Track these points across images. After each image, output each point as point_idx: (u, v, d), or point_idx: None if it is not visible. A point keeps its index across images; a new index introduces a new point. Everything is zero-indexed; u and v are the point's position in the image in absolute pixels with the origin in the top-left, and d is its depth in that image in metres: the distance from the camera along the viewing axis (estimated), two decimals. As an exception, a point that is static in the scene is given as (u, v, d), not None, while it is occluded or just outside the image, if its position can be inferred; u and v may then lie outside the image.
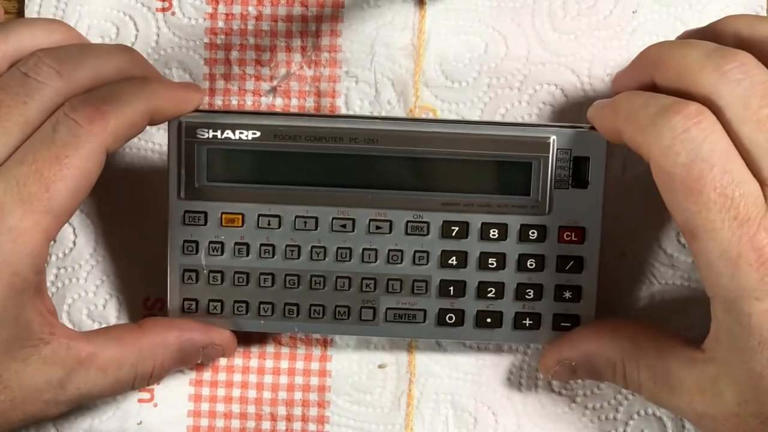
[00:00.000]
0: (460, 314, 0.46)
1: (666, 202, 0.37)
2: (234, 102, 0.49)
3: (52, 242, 0.47)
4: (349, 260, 0.46)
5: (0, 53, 0.42)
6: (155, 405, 0.49)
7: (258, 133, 0.45)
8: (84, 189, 0.41)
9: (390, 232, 0.46)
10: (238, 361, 0.49)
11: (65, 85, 0.41)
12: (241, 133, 0.45)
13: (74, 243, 0.50)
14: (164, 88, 0.44)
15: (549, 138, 0.45)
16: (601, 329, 0.44)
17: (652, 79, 0.41)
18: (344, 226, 0.46)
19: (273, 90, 0.49)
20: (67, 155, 0.40)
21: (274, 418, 0.49)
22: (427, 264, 0.46)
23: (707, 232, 0.35)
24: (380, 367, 0.49)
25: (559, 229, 0.45)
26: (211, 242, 0.46)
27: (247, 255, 0.46)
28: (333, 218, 0.46)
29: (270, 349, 0.49)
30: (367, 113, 0.49)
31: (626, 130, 0.39)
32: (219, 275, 0.46)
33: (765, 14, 0.48)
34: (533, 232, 0.45)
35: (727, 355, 0.37)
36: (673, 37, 0.48)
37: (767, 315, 0.34)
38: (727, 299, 0.35)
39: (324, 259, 0.46)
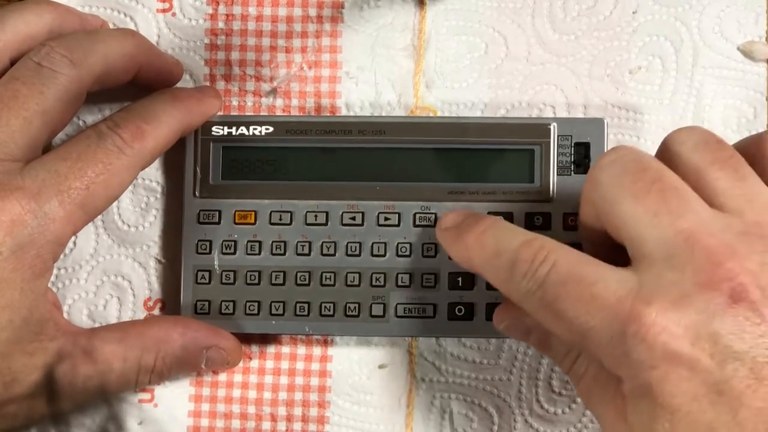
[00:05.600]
0: (470, 307, 0.46)
1: (554, 332, 0.38)
2: (234, 103, 0.49)
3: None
4: (359, 255, 0.47)
5: (0, 44, 0.43)
6: (155, 405, 0.49)
7: (271, 129, 0.47)
8: (114, 197, 0.43)
9: (398, 224, 0.46)
10: (239, 363, 0.49)
11: (78, 73, 0.43)
12: (255, 128, 0.47)
13: (74, 243, 0.49)
14: (193, 101, 0.46)
15: (549, 124, 0.46)
16: None
17: None
18: (354, 218, 0.46)
19: (273, 91, 0.50)
20: (111, 162, 0.42)
21: (274, 418, 0.49)
22: (435, 256, 0.46)
23: (589, 334, 0.35)
24: (380, 367, 0.49)
25: (563, 216, 0.46)
26: (224, 241, 0.47)
27: (260, 253, 0.47)
28: (343, 212, 0.47)
29: (270, 349, 0.49)
30: (367, 114, 0.49)
31: (487, 278, 0.40)
32: (232, 274, 0.47)
33: (765, 15, 0.48)
34: (539, 218, 0.46)
35: (635, 419, 0.36)
36: (671, 37, 0.48)
37: (665, 381, 0.34)
38: (629, 377, 0.35)
39: (335, 254, 0.47)
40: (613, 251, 0.37)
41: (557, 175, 0.46)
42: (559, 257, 0.37)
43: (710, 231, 0.35)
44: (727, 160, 0.37)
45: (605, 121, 0.46)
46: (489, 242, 0.40)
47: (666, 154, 0.38)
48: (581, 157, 0.46)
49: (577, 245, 0.46)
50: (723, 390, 0.33)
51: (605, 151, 0.46)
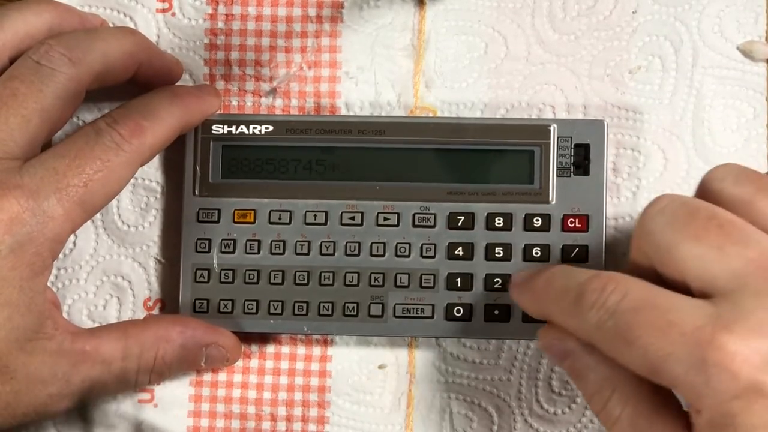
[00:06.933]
0: (468, 308, 0.46)
1: (624, 363, 0.37)
2: (234, 102, 0.50)
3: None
4: (358, 254, 0.47)
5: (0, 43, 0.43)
6: (155, 405, 0.49)
7: (271, 128, 0.47)
8: (113, 194, 0.43)
9: (398, 224, 0.47)
10: (238, 361, 0.49)
11: (77, 71, 0.43)
12: (255, 127, 0.47)
13: (74, 244, 0.50)
14: (192, 99, 0.46)
15: (549, 126, 0.46)
16: None
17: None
18: (353, 218, 0.46)
19: (273, 91, 0.50)
20: (110, 159, 0.42)
21: (274, 418, 0.49)
22: (434, 257, 0.46)
23: (665, 361, 0.34)
24: (380, 367, 0.49)
25: (563, 217, 0.46)
26: (223, 240, 0.47)
27: (259, 252, 0.47)
28: (342, 212, 0.47)
29: (270, 349, 0.49)
30: (367, 114, 0.49)
31: (554, 318, 0.40)
32: (230, 273, 0.47)
33: (765, 15, 0.48)
34: (538, 220, 0.46)
35: None
36: (671, 37, 0.48)
37: (748, 412, 0.33)
38: (710, 407, 0.34)
39: (333, 254, 0.47)
40: None
41: (557, 176, 0.46)
42: (631, 287, 0.36)
43: None
44: None
45: (605, 122, 0.47)
46: (557, 282, 0.40)
47: (707, 193, 0.38)
48: (581, 159, 0.46)
49: (572, 246, 0.46)
50: None
51: (605, 153, 0.46)
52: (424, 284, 0.46)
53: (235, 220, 0.47)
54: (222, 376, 0.49)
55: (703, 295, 0.35)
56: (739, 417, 0.33)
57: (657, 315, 0.35)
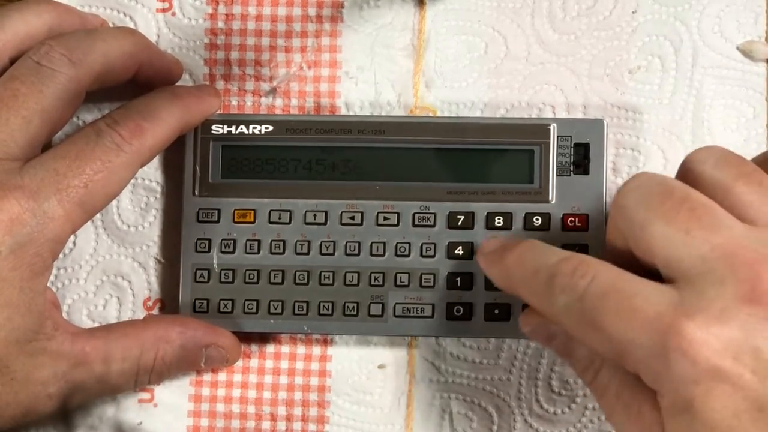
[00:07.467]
0: (468, 307, 0.46)
1: (591, 346, 0.37)
2: (234, 102, 0.50)
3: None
4: (358, 254, 0.47)
5: (0, 43, 0.44)
6: (155, 405, 0.49)
7: (271, 128, 0.47)
8: (113, 195, 0.43)
9: (398, 224, 0.47)
10: (238, 361, 0.49)
11: (78, 72, 0.43)
12: (254, 127, 0.47)
13: (74, 243, 0.50)
14: (192, 99, 0.46)
15: (549, 125, 0.46)
16: None
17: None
18: (353, 218, 0.47)
19: (273, 90, 0.50)
20: (110, 160, 0.42)
21: (274, 418, 0.49)
22: (434, 256, 0.47)
23: (628, 346, 0.35)
24: (380, 367, 0.49)
25: (563, 217, 0.46)
26: (223, 240, 0.47)
27: (259, 252, 0.47)
28: (342, 212, 0.47)
29: (270, 349, 0.49)
30: (367, 114, 0.49)
31: (524, 297, 0.40)
32: (230, 273, 0.47)
33: (764, 15, 0.48)
34: (537, 219, 0.46)
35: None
36: (671, 37, 0.48)
37: (707, 397, 0.33)
38: (670, 392, 0.34)
39: (333, 253, 0.47)
40: (644, 276, 0.37)
41: (556, 175, 0.46)
42: (599, 271, 0.36)
43: (746, 245, 0.34)
44: (751, 174, 0.37)
45: (605, 122, 0.47)
46: (528, 261, 0.40)
47: (687, 174, 0.38)
48: (581, 158, 0.46)
49: (572, 246, 0.46)
50: (764, 406, 0.33)
51: (605, 152, 0.46)
52: (424, 284, 0.46)
53: (235, 220, 0.47)
54: (222, 376, 0.49)
55: (670, 278, 0.35)
56: (698, 402, 0.33)
57: (622, 300, 0.35)
